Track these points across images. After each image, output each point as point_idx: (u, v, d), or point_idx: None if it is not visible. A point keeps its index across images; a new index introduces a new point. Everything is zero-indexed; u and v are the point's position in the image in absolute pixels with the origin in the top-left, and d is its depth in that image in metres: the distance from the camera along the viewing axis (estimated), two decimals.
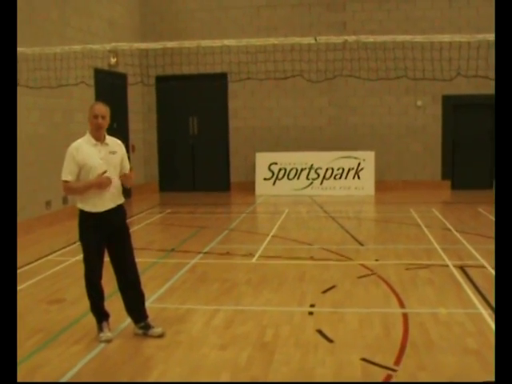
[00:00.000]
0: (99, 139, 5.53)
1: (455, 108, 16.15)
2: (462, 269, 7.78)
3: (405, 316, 6.06)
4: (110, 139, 5.62)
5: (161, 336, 5.60)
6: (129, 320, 5.82)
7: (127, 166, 5.72)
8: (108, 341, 5.50)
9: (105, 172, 5.42)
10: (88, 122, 5.53)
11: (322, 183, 16.04)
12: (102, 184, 5.42)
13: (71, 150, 5.49)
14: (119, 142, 5.74)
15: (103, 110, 5.52)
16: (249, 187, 16.47)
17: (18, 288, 7.20)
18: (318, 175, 16.08)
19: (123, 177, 5.64)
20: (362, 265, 8.15)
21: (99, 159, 5.46)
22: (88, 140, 5.53)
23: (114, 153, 5.57)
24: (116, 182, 5.57)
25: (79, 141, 5.56)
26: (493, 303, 6.30)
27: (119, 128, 14.64)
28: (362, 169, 15.90)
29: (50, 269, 8.28)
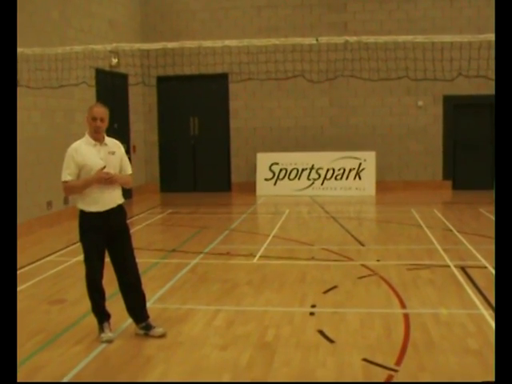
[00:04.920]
0: (98, 140, 5.54)
1: (456, 108, 16.13)
2: (463, 269, 7.78)
3: (406, 316, 6.05)
4: (108, 140, 5.63)
5: (162, 336, 5.60)
6: (130, 320, 5.82)
7: (128, 165, 5.73)
8: (109, 341, 5.50)
9: (104, 167, 5.42)
10: (87, 123, 5.54)
11: (322, 183, 16.02)
12: (101, 179, 5.41)
13: (70, 151, 5.50)
14: (118, 142, 5.75)
15: (102, 111, 5.52)
16: (250, 187, 16.45)
17: (19, 289, 7.21)
18: (319, 175, 16.06)
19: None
20: (363, 265, 8.15)
21: (99, 159, 5.47)
22: (87, 141, 5.54)
23: (113, 153, 5.59)
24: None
25: (78, 142, 5.58)
26: (494, 303, 6.30)
27: (120, 128, 14.65)
28: (362, 169, 15.88)
29: (50, 269, 8.29)
